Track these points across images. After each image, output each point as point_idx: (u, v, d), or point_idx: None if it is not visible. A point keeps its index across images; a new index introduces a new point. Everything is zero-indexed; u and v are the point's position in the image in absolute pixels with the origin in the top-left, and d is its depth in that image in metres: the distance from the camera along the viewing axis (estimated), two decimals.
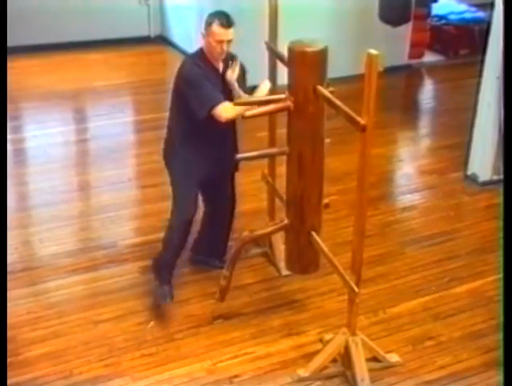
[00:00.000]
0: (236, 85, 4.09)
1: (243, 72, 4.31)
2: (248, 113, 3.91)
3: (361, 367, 3.85)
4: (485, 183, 6.00)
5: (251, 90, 4.28)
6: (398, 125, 7.37)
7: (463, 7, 9.86)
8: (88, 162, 6.68)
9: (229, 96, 4.09)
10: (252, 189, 5.43)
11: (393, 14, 7.24)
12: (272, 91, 4.42)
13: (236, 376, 4.00)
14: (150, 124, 6.85)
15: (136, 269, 4.85)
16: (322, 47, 3.77)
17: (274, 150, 4.55)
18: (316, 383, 3.96)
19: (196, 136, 4.21)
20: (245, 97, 4.09)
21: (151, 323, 4.36)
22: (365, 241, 3.75)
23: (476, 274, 4.88)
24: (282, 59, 4.22)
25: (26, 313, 4.42)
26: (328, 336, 4.17)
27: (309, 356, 4.08)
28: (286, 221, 4.19)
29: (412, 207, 5.78)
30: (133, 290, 4.64)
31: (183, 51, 8.07)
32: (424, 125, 7.86)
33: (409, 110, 8.04)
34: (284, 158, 4.07)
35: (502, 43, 4.78)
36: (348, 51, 6.89)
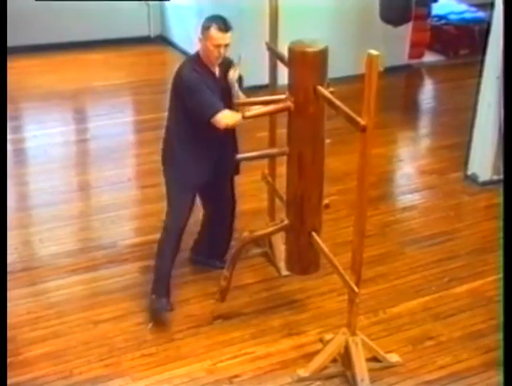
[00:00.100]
0: (236, 86, 4.08)
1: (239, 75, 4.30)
2: (248, 114, 3.91)
3: (361, 367, 3.85)
4: (485, 183, 6.00)
5: (248, 90, 4.27)
6: (398, 125, 7.36)
7: (463, 7, 9.86)
8: (88, 162, 6.68)
9: (225, 100, 4.07)
10: (252, 189, 5.42)
11: (394, 14, 7.26)
12: (272, 91, 4.42)
13: (236, 376, 4.00)
14: (150, 124, 6.84)
15: (136, 269, 4.85)
16: (322, 47, 3.77)
17: (274, 151, 4.55)
18: (316, 383, 3.96)
19: (195, 135, 4.19)
20: (243, 98, 4.08)
21: (151, 323, 4.35)
22: (365, 241, 3.75)
23: (476, 274, 4.88)
24: (282, 60, 4.22)
25: (26, 313, 4.42)
26: (328, 336, 4.17)
27: (309, 356, 4.08)
28: (286, 221, 4.19)
29: (412, 207, 5.78)
30: (133, 290, 4.63)
31: (183, 51, 8.08)
32: (424, 125, 7.85)
33: (409, 110, 8.03)
34: (284, 158, 4.07)
35: (502, 43, 4.78)
36: (349, 52, 6.90)
